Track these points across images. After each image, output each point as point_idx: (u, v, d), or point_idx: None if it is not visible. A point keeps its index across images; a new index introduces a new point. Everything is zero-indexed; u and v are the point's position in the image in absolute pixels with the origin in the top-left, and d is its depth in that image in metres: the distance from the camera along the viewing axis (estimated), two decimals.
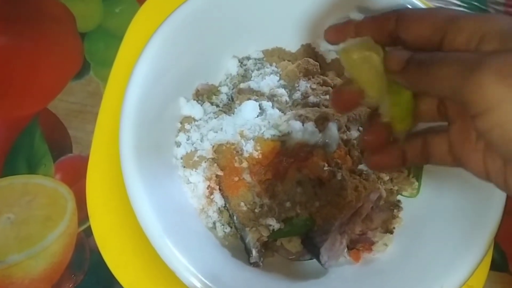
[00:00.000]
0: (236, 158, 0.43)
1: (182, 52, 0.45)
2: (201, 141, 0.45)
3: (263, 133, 0.43)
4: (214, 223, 0.45)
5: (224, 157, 0.44)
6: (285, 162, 0.42)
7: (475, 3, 0.61)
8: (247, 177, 0.43)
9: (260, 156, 0.43)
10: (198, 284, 0.38)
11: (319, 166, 0.42)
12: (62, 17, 0.60)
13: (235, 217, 0.44)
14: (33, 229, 0.51)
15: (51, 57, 0.58)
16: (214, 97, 0.49)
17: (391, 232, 0.45)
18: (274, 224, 0.42)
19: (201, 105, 0.47)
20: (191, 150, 0.45)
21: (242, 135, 0.44)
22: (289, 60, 0.50)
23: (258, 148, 0.43)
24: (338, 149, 0.43)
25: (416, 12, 0.32)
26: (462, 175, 0.32)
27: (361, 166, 0.44)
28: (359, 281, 0.44)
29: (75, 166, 0.54)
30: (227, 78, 0.50)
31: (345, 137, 0.44)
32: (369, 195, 0.43)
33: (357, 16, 0.34)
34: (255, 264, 0.43)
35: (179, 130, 0.46)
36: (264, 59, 0.51)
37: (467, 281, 0.39)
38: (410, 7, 0.44)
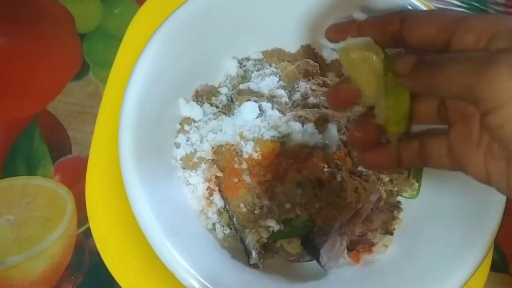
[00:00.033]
0: (235, 159, 0.43)
1: (181, 53, 0.45)
2: (200, 142, 0.45)
3: (262, 134, 0.43)
4: (213, 224, 0.45)
5: (223, 158, 0.44)
6: (284, 163, 0.42)
7: (475, 4, 0.61)
8: (246, 178, 0.43)
9: (259, 157, 0.43)
10: (197, 286, 0.38)
11: (319, 167, 0.42)
12: (62, 18, 0.60)
13: (234, 219, 0.44)
14: (33, 231, 0.51)
15: (50, 58, 0.58)
16: (213, 98, 0.49)
17: (391, 233, 0.45)
18: (274, 225, 0.42)
19: (201, 106, 0.47)
20: (190, 151, 0.45)
21: (241, 136, 0.44)
22: (288, 61, 0.50)
23: (258, 149, 0.43)
24: (338, 150, 0.43)
25: (422, 12, 0.33)
26: (462, 176, 0.32)
27: (361, 168, 0.44)
28: (359, 282, 0.44)
29: (74, 167, 0.54)
30: (226, 79, 0.50)
31: (345, 138, 0.44)
32: (369, 196, 0.43)
33: (360, 16, 0.34)
34: (254, 266, 0.42)
35: (179, 131, 0.46)
36: (264, 60, 0.51)
37: (467, 283, 0.39)
38: (410, 7, 0.43)
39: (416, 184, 0.47)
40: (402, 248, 0.45)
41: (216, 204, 0.44)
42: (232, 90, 0.49)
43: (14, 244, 0.50)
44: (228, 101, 0.49)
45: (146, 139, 0.42)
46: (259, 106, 0.45)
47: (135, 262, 0.46)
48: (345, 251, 0.44)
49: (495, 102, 0.25)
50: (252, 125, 0.44)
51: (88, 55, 0.59)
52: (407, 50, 0.33)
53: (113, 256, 0.46)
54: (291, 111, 0.45)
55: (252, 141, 0.43)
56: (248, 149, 0.43)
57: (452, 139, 0.31)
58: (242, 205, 0.43)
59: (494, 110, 0.25)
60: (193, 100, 0.48)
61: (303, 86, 0.47)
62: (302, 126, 0.43)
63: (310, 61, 0.48)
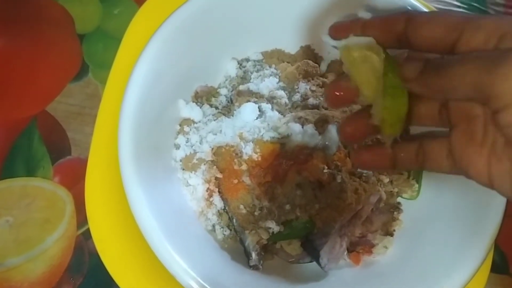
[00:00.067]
0: (235, 160, 0.43)
1: (181, 53, 0.45)
2: (200, 144, 0.45)
3: (262, 135, 0.43)
4: (213, 225, 0.45)
5: (223, 159, 0.44)
6: (284, 164, 0.42)
7: (475, 4, 0.61)
8: (246, 179, 0.43)
9: (259, 159, 0.43)
10: (197, 287, 0.37)
11: (319, 169, 0.41)
12: (61, 19, 0.60)
13: (234, 220, 0.44)
14: (32, 232, 0.51)
15: (49, 59, 0.58)
16: (213, 99, 0.49)
17: (391, 235, 0.45)
18: (274, 226, 0.42)
19: (200, 107, 0.47)
20: (190, 153, 0.45)
21: (241, 137, 0.43)
22: (288, 62, 0.50)
23: (258, 150, 0.43)
24: (338, 151, 0.43)
25: (429, 12, 0.32)
26: (462, 177, 0.32)
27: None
28: (359, 283, 0.44)
29: (73, 168, 0.54)
30: (226, 80, 0.50)
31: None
32: (369, 198, 0.43)
33: (364, 15, 0.34)
34: (254, 267, 0.42)
35: (178, 132, 0.46)
36: (264, 60, 0.51)
37: (468, 284, 0.39)
38: (409, 8, 0.43)
39: (416, 185, 0.47)
40: (402, 249, 0.44)
41: (215, 205, 0.44)
42: (231, 91, 0.49)
43: (13, 246, 0.50)
44: (228, 102, 0.49)
45: (145, 140, 0.42)
46: (258, 107, 0.45)
47: (135, 264, 0.45)
48: (345, 253, 0.44)
49: (508, 99, 0.25)
50: (251, 126, 0.44)
51: (88, 56, 0.58)
52: (411, 51, 0.33)
53: (113, 257, 0.46)
54: (291, 112, 0.45)
55: (252, 142, 0.43)
56: (248, 150, 0.43)
57: (453, 141, 0.31)
58: (242, 206, 0.43)
59: (506, 108, 0.25)
60: (193, 101, 0.48)
61: (303, 87, 0.47)
62: (302, 127, 0.43)
63: (310, 62, 0.48)
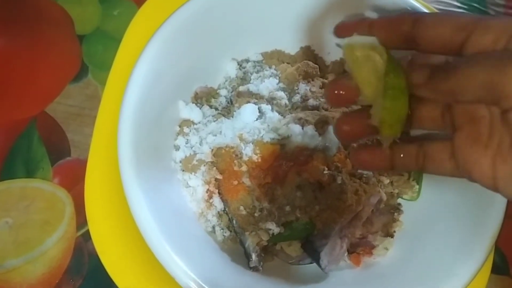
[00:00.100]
0: (235, 161, 0.43)
1: (180, 54, 0.45)
2: (200, 145, 0.45)
3: (262, 136, 0.43)
4: (213, 227, 0.45)
5: (223, 160, 0.44)
6: (284, 165, 0.42)
7: (475, 5, 0.61)
8: (246, 180, 0.43)
9: (259, 160, 0.42)
10: None
11: (319, 170, 0.41)
12: (60, 20, 0.59)
13: (234, 221, 0.43)
14: (31, 234, 0.51)
15: (49, 60, 0.58)
16: (213, 100, 0.48)
17: (392, 236, 0.45)
18: (274, 228, 0.42)
19: (200, 108, 0.47)
20: (190, 154, 0.45)
21: (241, 139, 0.43)
22: (288, 63, 0.50)
23: (258, 151, 0.43)
24: (338, 152, 0.43)
25: (437, 13, 0.32)
26: (463, 178, 0.32)
27: (361, 170, 0.44)
28: (359, 285, 0.44)
29: (73, 169, 0.54)
30: (226, 81, 0.50)
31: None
32: (369, 199, 0.43)
33: (371, 15, 0.34)
34: (254, 269, 0.42)
35: (178, 134, 0.46)
36: (263, 61, 0.50)
37: (468, 285, 0.39)
38: (409, 9, 0.43)
39: (417, 186, 0.47)
40: (402, 250, 0.44)
41: (215, 206, 0.44)
42: (231, 92, 0.49)
43: (13, 247, 0.50)
44: (228, 103, 0.49)
45: (145, 141, 0.42)
46: (258, 108, 0.45)
47: (134, 265, 0.45)
48: (346, 254, 0.44)
49: None
50: (251, 127, 0.44)
51: (87, 57, 0.58)
52: (415, 55, 0.33)
53: (112, 259, 0.46)
54: (291, 113, 0.45)
55: (252, 143, 0.43)
56: (248, 151, 0.43)
57: (456, 142, 0.31)
58: (241, 207, 0.43)
59: None
60: (193, 102, 0.47)
61: (303, 88, 0.47)
62: (302, 129, 0.43)
63: (310, 62, 0.48)
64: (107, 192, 0.47)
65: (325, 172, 0.41)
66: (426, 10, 0.43)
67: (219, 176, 0.44)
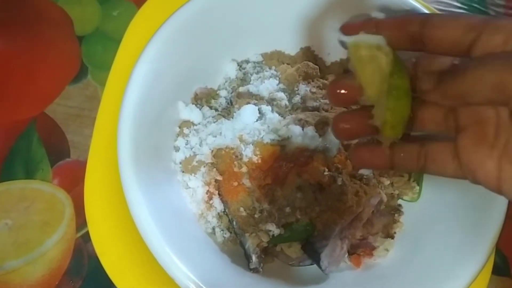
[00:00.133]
0: (235, 162, 0.43)
1: (180, 55, 0.45)
2: (200, 146, 0.45)
3: (262, 137, 0.43)
4: (213, 228, 0.44)
5: (223, 161, 0.44)
6: (285, 167, 0.42)
7: (475, 5, 0.61)
8: (246, 182, 0.43)
9: (259, 161, 0.42)
10: None
11: (319, 171, 0.41)
12: (60, 21, 0.59)
13: (234, 222, 0.43)
14: (31, 235, 0.51)
15: (48, 61, 0.58)
16: (213, 101, 0.48)
17: (392, 237, 0.45)
18: (274, 229, 0.42)
19: (200, 109, 0.47)
20: (190, 155, 0.45)
21: (241, 140, 0.43)
22: (288, 64, 0.50)
23: (258, 152, 0.42)
24: (339, 153, 0.43)
25: (445, 14, 0.32)
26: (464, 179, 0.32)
27: (362, 171, 0.44)
28: (360, 286, 0.44)
29: (73, 171, 0.54)
30: (226, 81, 0.50)
31: (345, 141, 0.44)
32: (369, 200, 0.43)
33: (378, 15, 0.33)
34: (255, 270, 0.42)
35: (178, 135, 0.46)
36: (263, 62, 0.50)
37: (469, 286, 0.39)
38: (409, 9, 0.43)
39: (417, 187, 0.46)
40: (403, 252, 0.44)
41: (215, 208, 0.44)
42: (231, 93, 0.49)
43: (12, 249, 0.50)
44: (228, 104, 0.48)
45: (145, 142, 0.42)
46: (258, 109, 0.44)
47: (134, 267, 0.45)
48: (346, 255, 0.44)
49: None
50: (251, 128, 0.44)
51: (87, 57, 0.58)
52: (421, 56, 0.32)
53: (112, 260, 0.46)
54: (291, 114, 0.45)
55: (252, 144, 0.43)
56: (248, 152, 0.43)
57: (461, 142, 0.30)
58: (242, 209, 0.43)
59: None
60: (192, 103, 0.47)
61: (303, 89, 0.47)
62: (302, 130, 0.43)
63: (310, 63, 0.48)
64: (107, 193, 0.47)
65: (326, 173, 0.41)
66: (426, 11, 0.43)
67: (219, 177, 0.44)
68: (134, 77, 0.42)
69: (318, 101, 0.46)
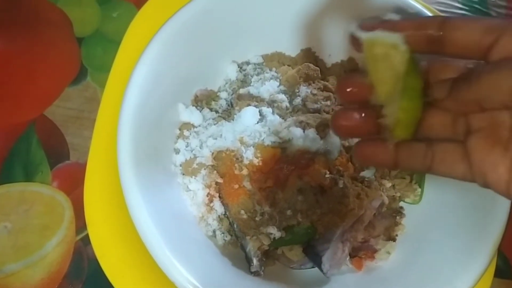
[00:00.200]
0: (236, 165, 0.43)
1: (180, 57, 0.45)
2: (200, 148, 0.45)
3: (263, 139, 0.43)
4: (214, 231, 0.44)
5: (223, 164, 0.43)
6: (286, 169, 0.42)
7: (477, 6, 0.60)
8: (247, 184, 0.42)
9: (260, 163, 0.42)
10: None
11: (320, 174, 0.41)
12: (59, 22, 0.59)
13: (235, 225, 0.43)
14: (30, 238, 0.50)
15: (47, 62, 0.58)
16: (213, 102, 0.48)
17: (394, 240, 0.45)
18: (275, 232, 0.41)
19: (200, 111, 0.47)
20: (190, 157, 0.45)
21: (242, 142, 0.43)
22: (289, 65, 0.50)
23: (258, 155, 0.42)
24: (340, 156, 0.43)
25: (466, 16, 0.32)
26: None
27: (363, 173, 0.44)
28: None
29: (72, 173, 0.54)
30: (226, 83, 0.50)
31: (346, 143, 0.44)
32: (371, 202, 0.43)
33: (394, 17, 0.32)
34: (256, 273, 0.42)
35: (178, 137, 0.46)
36: (264, 64, 0.50)
37: None
38: (410, 10, 0.43)
39: (419, 190, 0.46)
40: (405, 254, 0.44)
41: (216, 210, 0.44)
42: (232, 95, 0.48)
43: (12, 252, 0.50)
44: (228, 105, 0.48)
45: (145, 145, 0.42)
46: (259, 111, 0.44)
47: (134, 270, 0.45)
48: (347, 258, 0.43)
49: None
50: (252, 131, 0.43)
51: (86, 59, 0.58)
52: (433, 61, 0.32)
53: (112, 263, 0.46)
54: (292, 116, 0.45)
55: (253, 146, 0.43)
56: (249, 155, 0.42)
57: (472, 144, 0.30)
58: (242, 211, 0.42)
59: None
60: (193, 105, 0.47)
61: (304, 90, 0.46)
62: (303, 132, 0.42)
63: (311, 65, 0.48)
64: (107, 196, 0.47)
65: (327, 175, 0.41)
66: (427, 11, 0.43)
67: (220, 180, 0.43)
68: (134, 79, 0.42)
69: (319, 103, 0.46)
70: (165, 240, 0.38)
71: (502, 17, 0.60)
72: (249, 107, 0.44)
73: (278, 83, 0.48)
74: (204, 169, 0.44)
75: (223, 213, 0.44)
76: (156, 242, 0.38)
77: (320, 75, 0.48)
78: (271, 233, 0.41)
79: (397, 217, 0.46)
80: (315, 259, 0.42)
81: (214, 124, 0.46)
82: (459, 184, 0.36)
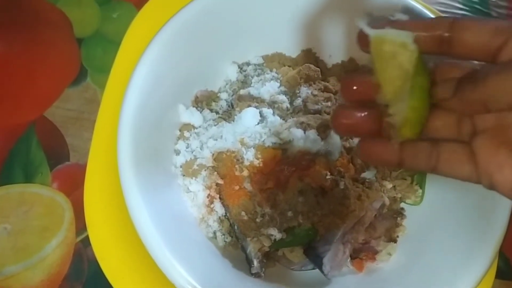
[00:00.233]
0: (236, 166, 0.43)
1: (181, 58, 0.45)
2: (200, 149, 0.45)
3: (264, 141, 0.43)
4: (214, 232, 0.44)
5: (224, 165, 0.43)
6: (286, 170, 0.41)
7: (477, 6, 0.60)
8: (247, 185, 0.42)
9: (261, 165, 0.42)
10: None
11: (321, 175, 0.41)
12: (59, 23, 0.59)
13: (235, 227, 0.43)
14: (30, 240, 0.50)
15: (47, 63, 0.57)
16: (213, 103, 0.48)
17: (395, 241, 0.45)
18: (276, 234, 0.41)
19: (201, 112, 0.47)
20: (190, 158, 0.45)
21: (242, 143, 0.43)
22: (289, 66, 0.50)
23: (259, 156, 0.42)
24: (341, 157, 0.43)
25: (475, 17, 0.31)
26: (466, 182, 0.31)
27: (364, 174, 0.44)
28: None
29: (72, 174, 0.53)
30: (226, 84, 0.50)
31: (347, 145, 0.44)
32: (372, 204, 0.43)
33: (402, 17, 0.32)
34: (256, 275, 0.42)
35: (178, 138, 0.46)
36: (264, 64, 0.50)
37: None
38: (411, 10, 0.43)
39: (420, 191, 0.46)
40: (406, 256, 0.44)
41: (216, 212, 0.44)
42: (232, 96, 0.48)
43: (11, 254, 0.50)
44: (229, 106, 0.48)
45: (145, 146, 0.41)
46: (260, 112, 0.44)
47: (134, 271, 0.45)
48: (348, 260, 0.43)
49: None
50: (253, 132, 0.43)
51: (86, 60, 0.58)
52: (439, 62, 0.32)
53: (112, 265, 0.45)
54: (293, 117, 0.45)
55: (253, 148, 0.43)
56: (249, 156, 0.42)
57: (479, 144, 0.29)
58: (243, 213, 0.42)
59: None
60: (193, 106, 0.47)
61: (304, 91, 0.46)
62: (304, 133, 0.42)
63: (312, 65, 0.48)
64: (107, 197, 0.47)
65: (328, 177, 0.41)
66: (427, 12, 0.43)
67: (220, 181, 0.43)
68: (134, 80, 0.42)
69: (319, 103, 0.45)
70: (165, 242, 0.38)
71: (504, 17, 0.60)
72: (250, 108, 0.44)
73: (278, 84, 0.48)
74: (205, 170, 0.44)
75: (224, 214, 0.44)
76: (156, 244, 0.38)
77: (320, 76, 0.48)
78: (272, 235, 0.41)
79: (398, 218, 0.45)
80: (316, 261, 0.41)
81: (215, 125, 0.46)
82: (460, 185, 0.35)
